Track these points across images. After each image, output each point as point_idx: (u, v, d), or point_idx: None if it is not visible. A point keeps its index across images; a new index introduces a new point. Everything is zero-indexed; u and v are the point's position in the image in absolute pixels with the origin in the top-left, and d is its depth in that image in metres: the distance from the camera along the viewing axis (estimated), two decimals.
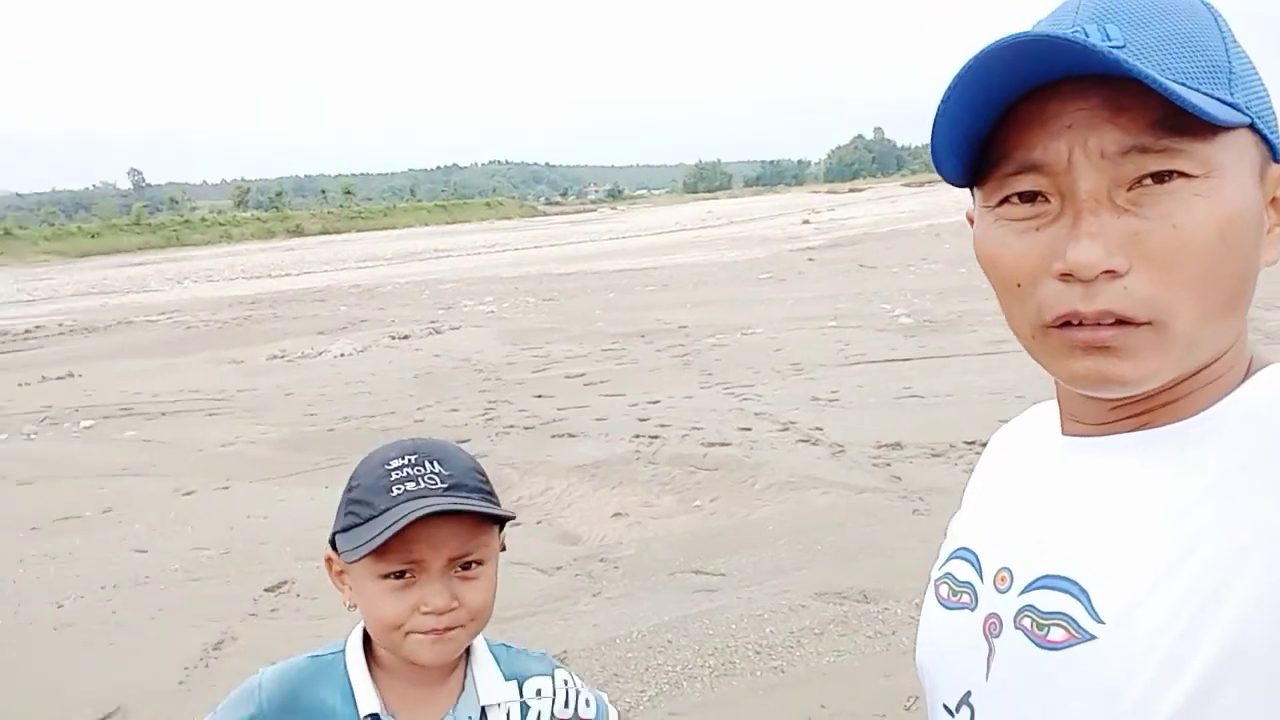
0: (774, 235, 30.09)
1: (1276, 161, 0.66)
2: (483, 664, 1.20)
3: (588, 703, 1.26)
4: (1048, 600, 0.68)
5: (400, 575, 1.09)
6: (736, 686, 3.46)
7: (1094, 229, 0.61)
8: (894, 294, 13.14)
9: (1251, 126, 0.63)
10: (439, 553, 1.09)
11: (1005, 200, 0.66)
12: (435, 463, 1.11)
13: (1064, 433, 0.75)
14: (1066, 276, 0.62)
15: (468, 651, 1.19)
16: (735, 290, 15.53)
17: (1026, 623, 0.69)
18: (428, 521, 1.06)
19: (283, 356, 11.86)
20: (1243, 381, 0.68)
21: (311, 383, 9.94)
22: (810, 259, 20.20)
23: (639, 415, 7.43)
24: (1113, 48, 0.61)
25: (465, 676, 1.19)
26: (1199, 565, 0.60)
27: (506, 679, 1.20)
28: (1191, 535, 0.62)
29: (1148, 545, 0.64)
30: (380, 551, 1.06)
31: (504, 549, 1.20)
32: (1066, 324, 0.64)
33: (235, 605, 4.46)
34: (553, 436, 6.98)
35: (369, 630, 1.16)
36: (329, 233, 76.91)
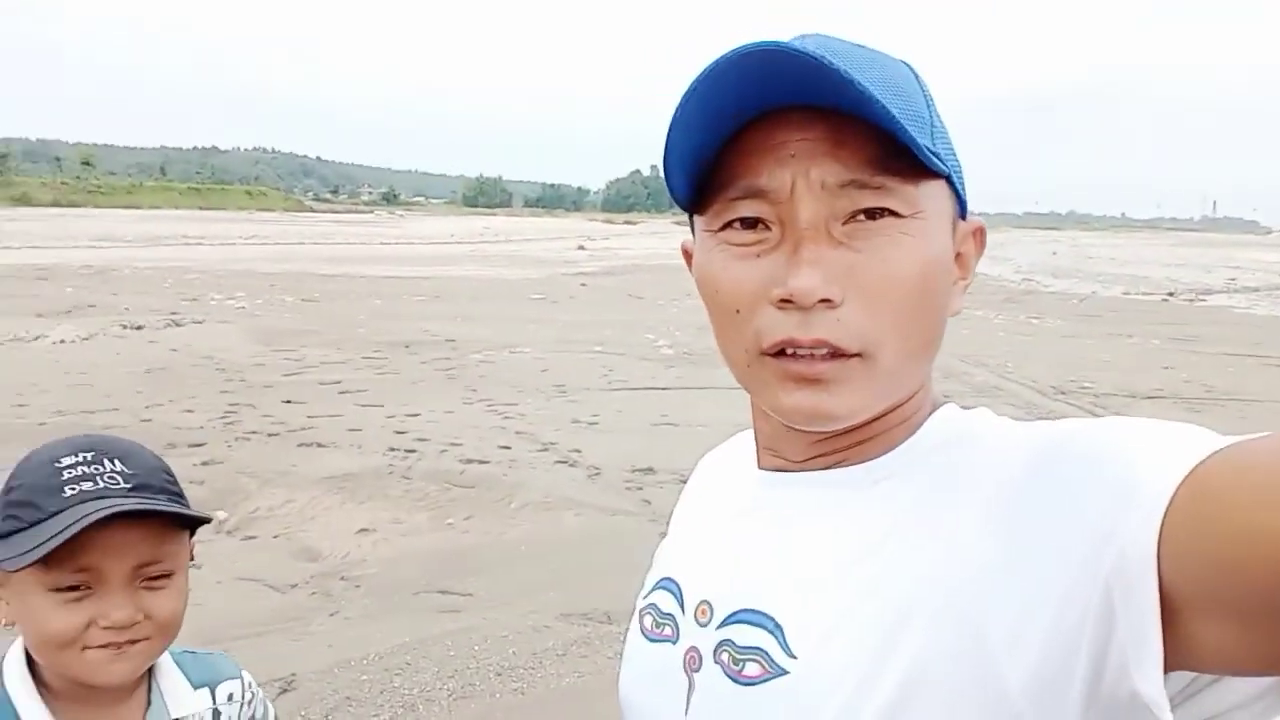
0: (549, 258, 30.33)
1: (963, 219, 0.71)
2: (168, 674, 1.11)
3: (266, 704, 1.21)
4: (744, 635, 0.69)
5: (74, 588, 0.97)
6: (475, 709, 3.39)
7: (814, 257, 0.63)
8: (658, 325, 13.58)
9: (949, 180, 0.67)
10: (122, 561, 0.98)
11: (728, 225, 0.67)
12: (116, 460, 1.01)
13: (760, 466, 0.77)
14: (785, 303, 0.63)
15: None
16: (507, 308, 15.46)
17: (725, 657, 0.70)
18: (109, 526, 0.94)
19: None
20: (924, 423, 0.71)
21: (23, 369, 8.83)
22: (583, 284, 20.51)
23: (396, 428, 7.18)
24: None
25: (150, 690, 1.08)
26: (881, 600, 0.62)
27: (196, 686, 1.12)
28: (875, 571, 0.64)
29: (835, 582, 0.65)
30: (50, 560, 0.94)
31: (192, 559, 1.09)
32: (782, 353, 0.65)
33: None
34: (299, 445, 6.60)
35: (31, 650, 1.02)
36: (62, 205, 69.20)
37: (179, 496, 1.04)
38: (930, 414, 0.71)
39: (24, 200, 70.28)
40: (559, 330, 12.86)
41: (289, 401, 7.98)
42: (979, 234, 0.73)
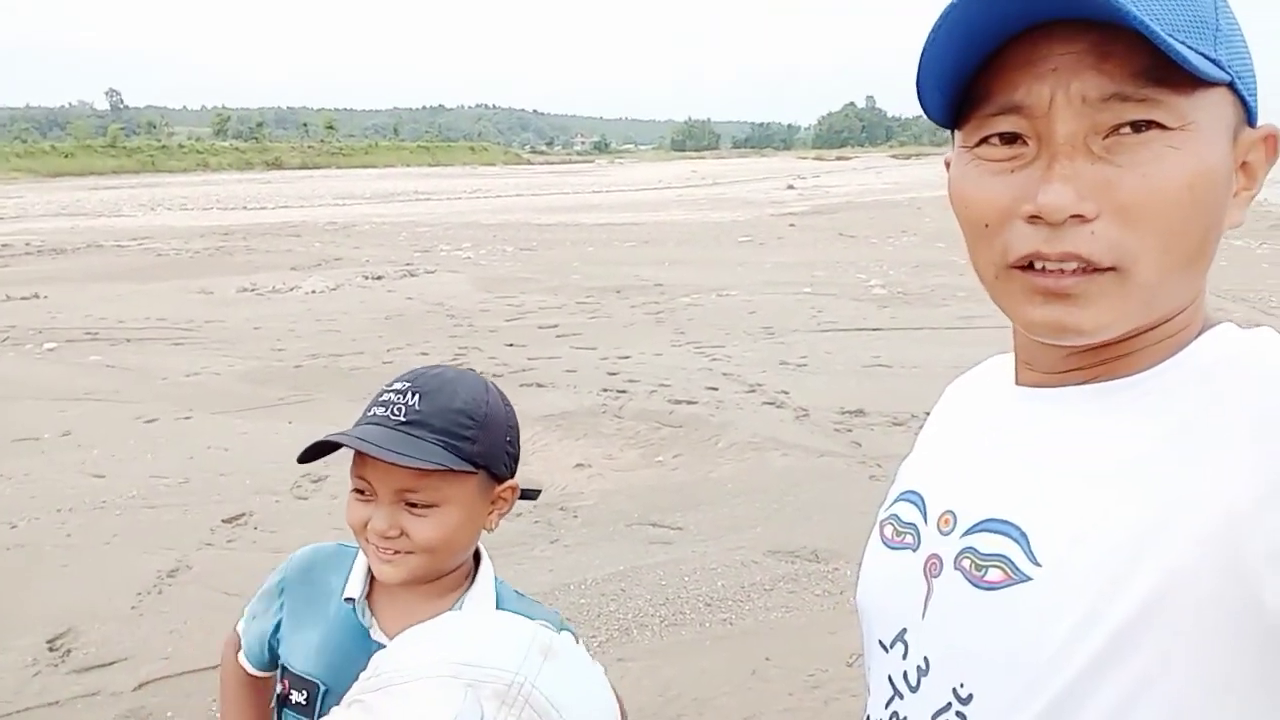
0: (757, 199, 29.99)
1: (1251, 125, 0.67)
2: (479, 597, 1.22)
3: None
4: (988, 543, 0.70)
5: (361, 490, 1.15)
6: (685, 636, 3.53)
7: (1067, 173, 0.62)
8: (871, 264, 13.18)
9: (1231, 86, 0.64)
10: (385, 484, 1.13)
11: (984, 141, 0.66)
12: (418, 396, 1.14)
13: (1018, 382, 0.77)
14: (1035, 219, 0.63)
15: (473, 578, 1.24)
16: (714, 251, 15.50)
17: (966, 564, 0.71)
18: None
19: (253, 290, 11.74)
20: (1194, 340, 0.69)
21: (281, 318, 9.85)
22: (791, 224, 20.18)
23: (609, 369, 7.44)
24: None
25: (456, 603, 1.22)
26: (1133, 517, 0.62)
27: None
28: (1129, 487, 0.63)
29: (1087, 494, 0.65)
30: (354, 460, 1.14)
31: (523, 497, 1.26)
32: (1029, 266, 0.64)
33: (192, 534, 4.46)
34: (521, 385, 6.98)
35: None
36: (308, 167, 75.70)
37: (461, 440, 1.13)
38: (1201, 332, 0.69)
39: (276, 164, 77.39)
40: (766, 272, 12.77)
41: (511, 344, 8.44)
42: (1271, 141, 0.69)
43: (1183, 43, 0.60)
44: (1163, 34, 0.57)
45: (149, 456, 5.55)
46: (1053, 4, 0.60)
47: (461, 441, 1.13)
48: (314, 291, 11.57)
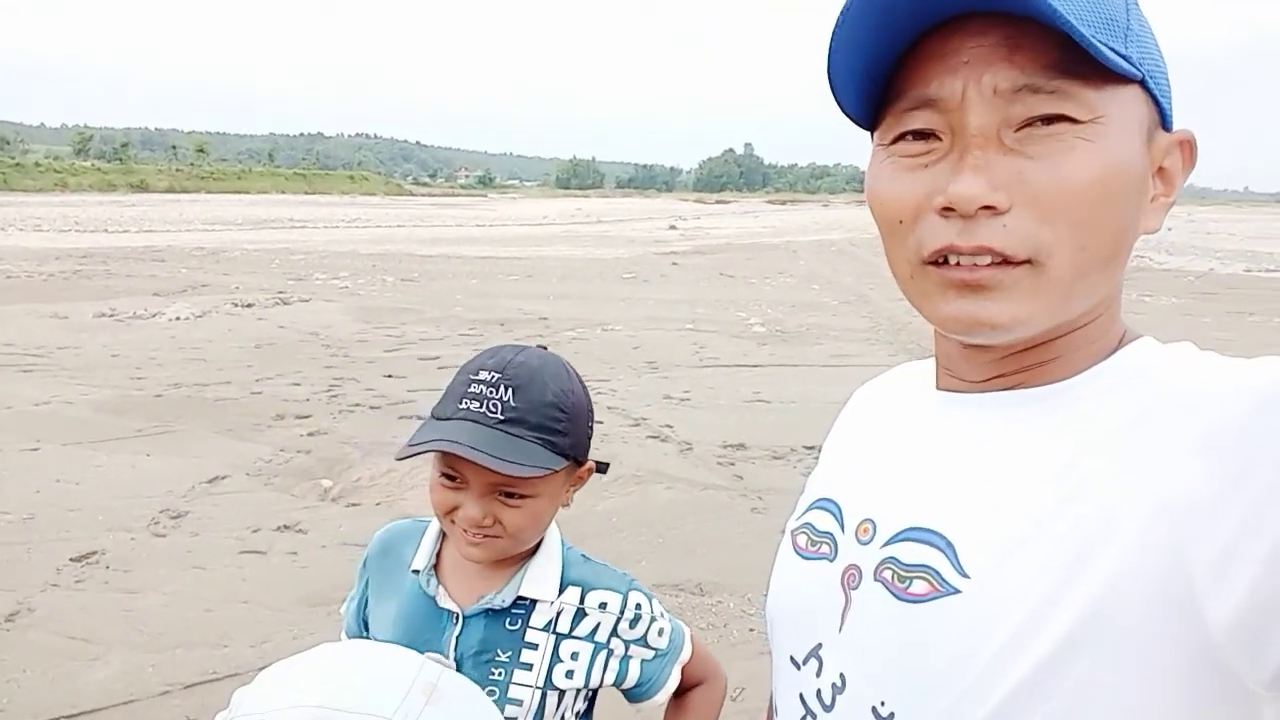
0: (641, 237, 30.37)
1: (1166, 129, 0.66)
2: (544, 563, 1.24)
3: (660, 632, 1.28)
4: (911, 553, 0.67)
5: (452, 478, 1.15)
6: None
7: (979, 164, 0.61)
8: (750, 303, 13.47)
9: (1143, 85, 0.63)
10: (480, 477, 1.13)
11: (899, 138, 0.65)
12: (511, 389, 1.13)
13: (939, 388, 0.75)
14: (948, 211, 0.62)
15: (537, 545, 1.24)
16: (599, 286, 15.56)
17: (888, 575, 0.68)
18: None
19: (112, 315, 11.07)
20: (1116, 350, 0.68)
21: (142, 345, 9.32)
22: (674, 263, 20.48)
23: None
24: None
25: (521, 569, 1.22)
26: (1067, 526, 0.60)
27: (566, 584, 1.23)
28: (1062, 495, 0.62)
29: (1017, 502, 0.63)
30: (443, 457, 1.13)
31: (596, 471, 1.27)
32: (944, 261, 0.63)
33: (35, 574, 4.12)
34: (400, 418, 6.79)
35: None
36: (176, 191, 72.54)
37: (554, 434, 1.14)
38: (1125, 342, 0.69)
39: (142, 186, 73.86)
40: (650, 308, 12.89)
41: (390, 376, 8.22)
42: (1186, 146, 0.68)
43: (1093, 37, 0.60)
44: (1072, 21, 0.57)
45: None
46: None
47: (557, 436, 1.15)
48: (178, 318, 11.00)
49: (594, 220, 44.17)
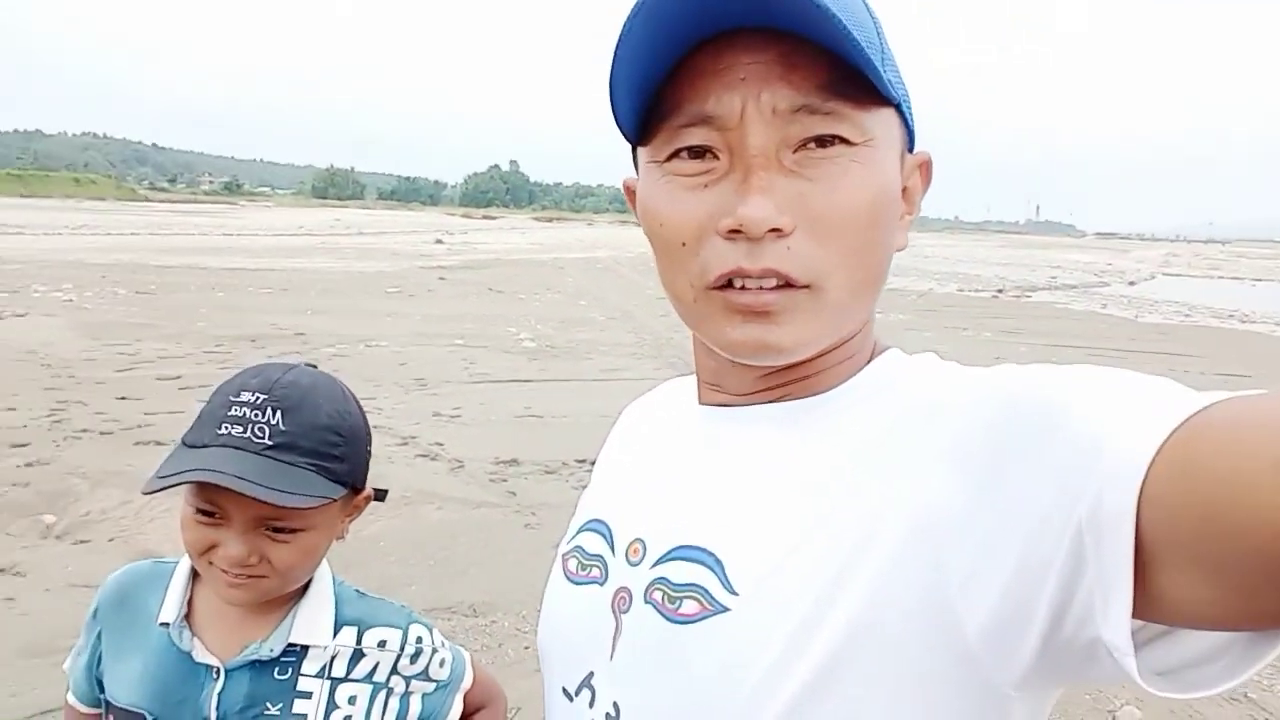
0: (406, 250, 29.55)
1: (911, 152, 0.69)
2: (314, 604, 1.15)
3: (442, 663, 1.20)
4: (681, 572, 0.66)
5: (209, 514, 1.04)
6: None
7: (764, 185, 0.60)
8: (520, 319, 13.45)
9: (899, 109, 0.65)
10: (244, 511, 1.03)
11: (674, 155, 0.64)
12: (279, 412, 1.03)
13: (702, 402, 0.74)
14: (734, 234, 0.61)
15: (305, 587, 1.15)
16: (361, 301, 14.95)
17: (658, 596, 0.66)
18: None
19: None
20: (869, 362, 0.70)
21: None
22: (441, 278, 20.08)
23: None
24: None
25: (289, 613, 1.10)
26: (832, 535, 0.60)
27: (341, 624, 1.13)
28: (823, 508, 0.62)
29: (782, 516, 0.63)
30: (193, 485, 1.02)
31: (374, 499, 1.20)
32: (728, 285, 0.63)
33: None
34: (136, 444, 6.17)
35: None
36: None
37: (332, 460, 1.05)
38: (876, 354, 0.70)
39: None
40: (417, 324, 12.54)
41: (123, 398, 7.46)
42: (925, 168, 0.71)
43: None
44: (858, 39, 0.57)
45: None
46: (740, 10, 0.59)
47: (332, 462, 1.06)
48: None
49: (354, 232, 42.49)
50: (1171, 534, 0.48)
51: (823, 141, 0.61)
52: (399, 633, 1.19)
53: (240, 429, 1.02)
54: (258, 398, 1.04)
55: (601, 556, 0.74)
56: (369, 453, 1.17)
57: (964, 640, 0.56)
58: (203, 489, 1.02)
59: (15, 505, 5.03)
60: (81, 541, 4.69)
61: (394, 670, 1.18)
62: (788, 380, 0.69)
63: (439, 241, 36.27)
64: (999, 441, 0.57)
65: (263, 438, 1.02)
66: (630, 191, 0.73)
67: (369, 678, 1.16)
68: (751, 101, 0.60)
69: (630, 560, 0.71)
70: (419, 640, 1.20)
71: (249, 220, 50.62)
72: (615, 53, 0.61)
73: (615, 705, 0.68)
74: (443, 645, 1.23)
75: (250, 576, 1.06)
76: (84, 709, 1.21)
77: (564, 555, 0.79)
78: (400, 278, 19.55)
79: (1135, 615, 0.50)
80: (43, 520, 4.89)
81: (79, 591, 4.14)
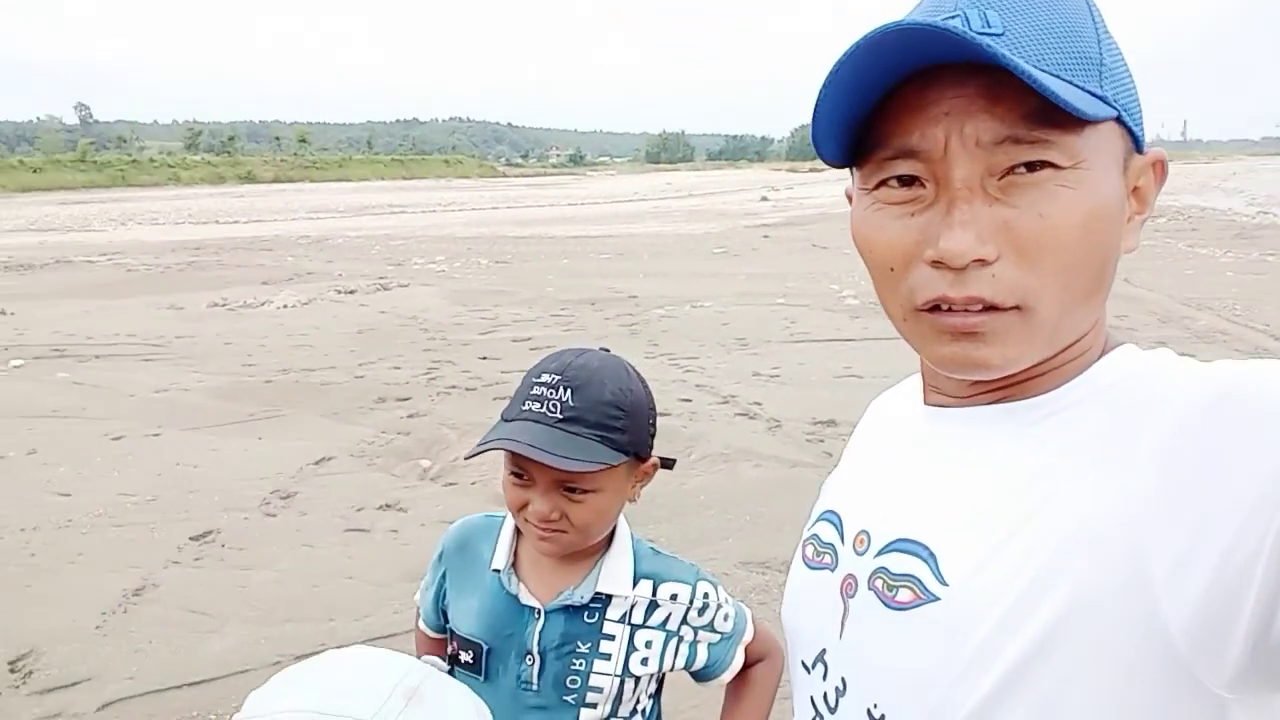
0: (731, 210, 30.13)
1: (1139, 153, 0.68)
2: (616, 558, 1.32)
3: (726, 617, 1.36)
4: (899, 563, 0.71)
5: (518, 476, 1.22)
6: None
7: (966, 218, 0.63)
8: (844, 275, 13.26)
9: (1118, 119, 0.65)
10: (544, 474, 1.20)
11: (882, 184, 0.67)
12: (569, 390, 1.19)
13: (926, 403, 0.78)
14: (938, 263, 0.64)
15: (609, 541, 1.32)
16: (688, 263, 15.55)
17: (879, 584, 0.72)
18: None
19: (224, 305, 11.63)
20: (1096, 361, 0.70)
21: (252, 333, 9.76)
22: (765, 236, 20.29)
23: None
24: (990, 35, 0.62)
25: (595, 564, 1.30)
26: (1040, 530, 0.63)
27: (639, 577, 1.31)
28: (1034, 503, 0.64)
29: (992, 512, 0.67)
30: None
31: (662, 467, 1.32)
32: (936, 308, 0.66)
33: (159, 552, 4.41)
34: (494, 399, 6.96)
35: None
36: (282, 181, 75.13)
37: (614, 431, 1.20)
38: (1103, 354, 0.71)
39: (249, 177, 76.70)
40: (740, 283, 12.82)
41: (484, 358, 8.42)
42: (1158, 166, 0.71)
43: (1069, 81, 0.62)
44: (1045, 80, 0.58)
45: (116, 474, 5.48)
46: (940, 50, 0.60)
47: (614, 433, 1.20)
48: (286, 306, 11.47)
49: (684, 194, 44.01)
50: None
51: (1030, 167, 0.62)
52: (688, 588, 1.32)
53: (539, 405, 1.19)
54: (554, 379, 1.21)
55: (833, 545, 0.81)
56: (653, 425, 1.30)
57: (1168, 637, 0.57)
58: (513, 456, 1.20)
59: (399, 450, 5.90)
60: (450, 484, 5.41)
61: (684, 621, 1.32)
62: (1006, 384, 0.71)
63: (764, 199, 36.54)
64: (1205, 443, 0.58)
65: (555, 412, 1.18)
66: (850, 199, 0.76)
67: (663, 625, 1.31)
68: (955, 134, 0.63)
69: (857, 550, 0.77)
70: (705, 596, 1.33)
71: (591, 189, 54.21)
72: (822, 90, 0.65)
73: (843, 680, 0.75)
74: (727, 601, 1.36)
75: (554, 531, 1.22)
76: (432, 634, 1.45)
77: (804, 542, 0.87)
78: (725, 238, 20.02)
79: None
80: (420, 464, 5.70)
81: (446, 529, 4.79)
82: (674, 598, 1.31)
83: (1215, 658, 0.56)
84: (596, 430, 1.18)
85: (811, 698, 0.79)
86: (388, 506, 4.98)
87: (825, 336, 9.10)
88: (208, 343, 9.29)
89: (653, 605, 1.30)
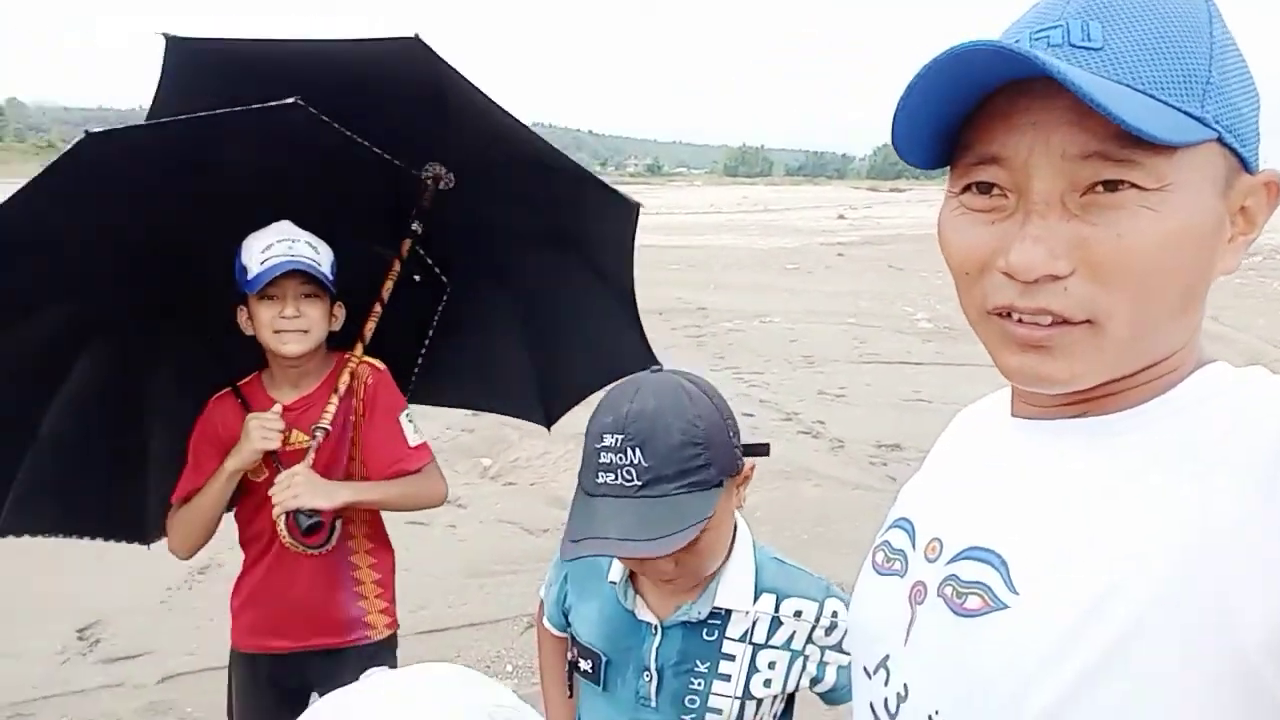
0: (807, 227, 29.91)
1: (1249, 172, 0.66)
2: (737, 572, 1.25)
3: None
4: (970, 570, 0.71)
5: None
6: None
7: (1039, 233, 0.62)
8: (919, 297, 13.05)
9: (1220, 140, 0.63)
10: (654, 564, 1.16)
11: (967, 189, 0.68)
12: (637, 450, 1.09)
13: (1012, 414, 0.78)
14: (1009, 274, 0.64)
15: (728, 552, 1.25)
16: (759, 277, 15.47)
17: (948, 591, 0.72)
18: None
19: None
20: (1186, 379, 0.69)
21: None
22: (840, 254, 20.07)
23: None
24: (1087, 49, 0.62)
25: (715, 578, 1.25)
26: (1109, 547, 0.62)
27: (760, 591, 1.25)
28: (1108, 516, 0.64)
29: (1065, 524, 0.66)
30: None
31: (758, 454, 1.24)
32: (1008, 314, 0.66)
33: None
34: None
35: None
36: None
37: (699, 472, 1.10)
38: (1194, 370, 0.69)
39: None
40: (811, 300, 12.71)
41: None
42: (1272, 187, 0.68)
43: (1163, 101, 0.61)
44: (1121, 109, 0.57)
45: None
46: (1024, 68, 0.59)
47: (700, 473, 1.10)
48: None
49: (760, 209, 43.84)
50: None
51: (1112, 185, 0.61)
52: (815, 605, 1.25)
53: (612, 476, 1.10)
54: (617, 440, 1.10)
55: (904, 552, 0.81)
56: (735, 436, 1.19)
57: (1244, 655, 0.56)
58: None
59: (462, 448, 5.98)
60: (509, 484, 5.46)
61: (809, 640, 1.25)
62: (1093, 396, 0.70)
63: (841, 217, 36.17)
64: None
65: (632, 479, 1.08)
66: None
67: (787, 644, 1.25)
68: (1040, 146, 0.62)
69: (928, 557, 0.77)
70: (834, 614, 1.25)
71: (667, 199, 54.35)
72: (899, 107, 0.65)
73: (905, 686, 0.75)
74: None
75: (676, 579, 1.19)
76: (555, 633, 1.44)
77: (874, 548, 0.86)
78: (799, 254, 19.87)
79: None
80: (481, 462, 5.76)
81: (505, 526, 4.84)
82: (798, 615, 1.24)
83: None
84: (680, 482, 1.09)
85: (871, 704, 0.79)
86: (447, 502, 5.04)
87: (895, 359, 8.95)
88: None
89: (775, 623, 1.24)
